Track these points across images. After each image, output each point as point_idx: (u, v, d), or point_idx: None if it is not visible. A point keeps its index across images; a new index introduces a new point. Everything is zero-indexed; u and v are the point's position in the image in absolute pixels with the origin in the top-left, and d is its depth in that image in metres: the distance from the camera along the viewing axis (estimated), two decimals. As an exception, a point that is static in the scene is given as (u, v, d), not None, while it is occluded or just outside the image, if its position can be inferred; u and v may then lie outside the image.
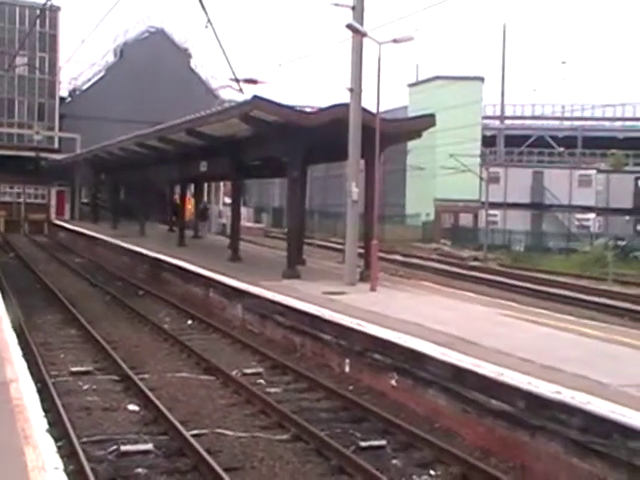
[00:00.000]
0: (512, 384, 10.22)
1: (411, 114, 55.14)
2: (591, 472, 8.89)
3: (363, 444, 10.52)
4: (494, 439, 10.40)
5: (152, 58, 68.42)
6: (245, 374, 14.42)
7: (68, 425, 10.59)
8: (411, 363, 12.44)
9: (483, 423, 10.62)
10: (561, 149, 72.53)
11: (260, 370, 14.83)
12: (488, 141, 71.45)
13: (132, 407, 12.21)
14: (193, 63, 76.56)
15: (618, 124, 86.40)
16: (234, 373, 14.33)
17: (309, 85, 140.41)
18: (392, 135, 22.57)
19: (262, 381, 14.07)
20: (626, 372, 10.86)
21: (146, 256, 29.64)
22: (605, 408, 8.95)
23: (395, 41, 20.10)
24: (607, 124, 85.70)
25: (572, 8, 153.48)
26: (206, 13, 28.33)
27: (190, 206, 43.09)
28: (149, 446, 10.20)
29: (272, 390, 13.37)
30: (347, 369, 14.50)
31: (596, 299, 28.15)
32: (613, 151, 71.36)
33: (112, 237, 37.25)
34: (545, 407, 9.59)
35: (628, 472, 8.47)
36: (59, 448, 8.34)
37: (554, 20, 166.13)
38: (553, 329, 14.85)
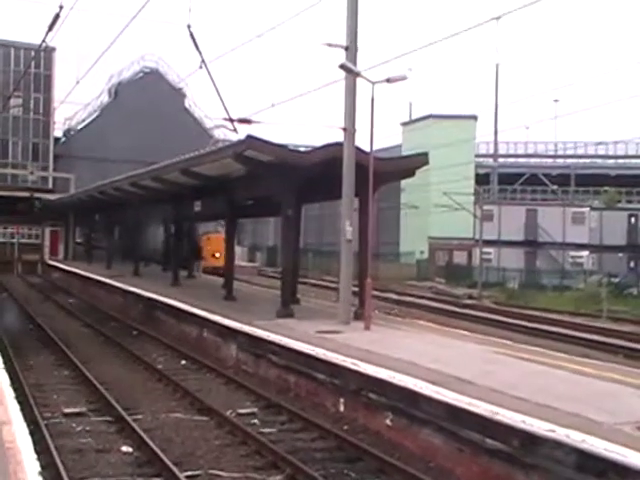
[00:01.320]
0: (507, 423, 10.19)
1: (405, 152, 55.45)
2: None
3: (358, 484, 10.46)
4: (489, 478, 10.34)
5: (146, 98, 68.95)
6: (239, 414, 14.34)
7: (61, 468, 10.51)
8: (406, 402, 12.40)
9: (478, 462, 10.57)
10: (554, 187, 72.91)
11: (254, 410, 14.75)
12: (481, 179, 71.73)
13: (126, 448, 12.12)
14: (187, 103, 77.19)
15: (611, 162, 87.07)
16: (228, 413, 14.25)
17: (303, 124, 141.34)
18: (386, 174, 22.59)
19: (256, 421, 13.99)
20: (621, 410, 10.83)
21: (140, 296, 29.54)
22: (600, 446, 8.92)
23: (388, 80, 20.16)
24: (600, 162, 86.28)
25: (564, 47, 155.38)
26: (200, 53, 28.60)
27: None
28: (142, 488, 10.13)
29: (266, 430, 13.29)
30: (342, 408, 14.43)
31: (590, 336, 28.11)
32: (606, 188, 71.75)
33: (106, 277, 37.16)
34: (539, 445, 9.56)
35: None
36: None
37: (546, 58, 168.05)
38: (547, 367, 14.81)
